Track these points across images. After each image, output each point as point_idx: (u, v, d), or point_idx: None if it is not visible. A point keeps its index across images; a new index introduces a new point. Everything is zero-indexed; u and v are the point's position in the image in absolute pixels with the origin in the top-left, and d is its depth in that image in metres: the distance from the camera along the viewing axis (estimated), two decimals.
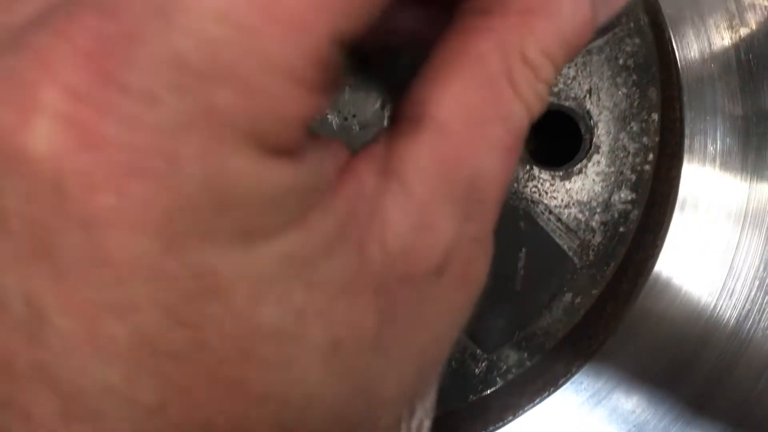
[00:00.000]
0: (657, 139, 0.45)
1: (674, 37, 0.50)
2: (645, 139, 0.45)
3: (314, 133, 0.19)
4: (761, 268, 0.49)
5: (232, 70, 0.16)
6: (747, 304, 0.49)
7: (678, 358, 0.49)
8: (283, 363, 0.18)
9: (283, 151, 0.17)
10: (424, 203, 0.21)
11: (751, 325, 0.49)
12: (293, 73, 0.17)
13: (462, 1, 0.24)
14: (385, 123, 0.58)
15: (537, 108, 0.23)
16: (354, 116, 0.59)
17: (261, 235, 0.17)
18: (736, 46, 0.50)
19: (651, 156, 0.45)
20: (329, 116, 0.58)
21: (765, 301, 0.49)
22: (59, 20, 0.16)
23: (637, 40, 0.45)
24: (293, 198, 0.18)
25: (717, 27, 0.50)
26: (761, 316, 0.49)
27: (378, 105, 0.59)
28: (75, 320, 0.16)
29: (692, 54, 0.50)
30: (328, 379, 0.19)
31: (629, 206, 0.45)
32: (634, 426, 0.50)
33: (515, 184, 0.45)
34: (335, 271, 0.19)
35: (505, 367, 0.44)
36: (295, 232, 0.18)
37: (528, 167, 0.45)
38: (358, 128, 0.58)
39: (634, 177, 0.45)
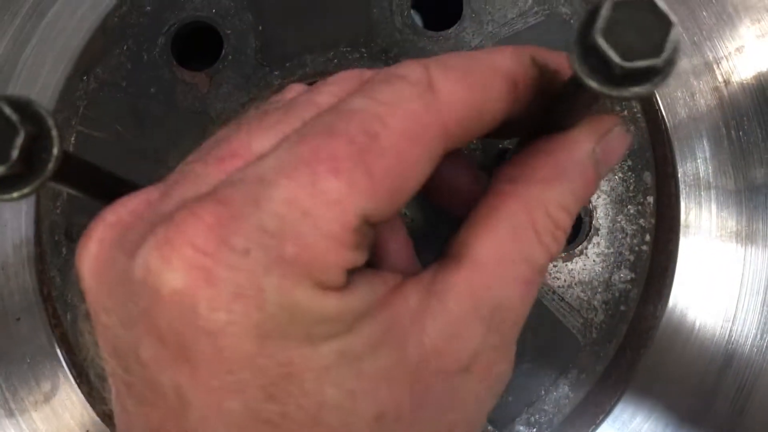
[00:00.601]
0: (653, 220, 0.47)
1: (667, 117, 0.52)
2: (642, 221, 0.48)
3: (372, 269, 0.28)
4: (758, 336, 0.51)
5: (294, 233, 0.24)
6: (748, 369, 0.51)
7: (685, 418, 0.51)
8: (341, 427, 0.25)
9: (331, 287, 0.25)
10: (456, 318, 0.27)
11: (754, 380, 0.51)
12: (334, 237, 0.24)
13: (497, 169, 0.30)
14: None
15: (556, 250, 0.30)
16: None
17: (322, 339, 0.25)
18: (727, 125, 0.52)
19: (648, 237, 0.47)
20: None
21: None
22: (194, 205, 0.25)
23: (631, 127, 0.48)
24: (344, 316, 0.25)
25: (708, 106, 0.53)
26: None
27: None
28: (207, 400, 0.24)
29: (685, 132, 0.52)
30: None
31: (629, 285, 0.47)
32: None
33: None
34: (379, 363, 0.26)
35: None
36: (347, 337, 0.25)
37: None
38: None
39: (632, 257, 0.47)
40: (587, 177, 0.30)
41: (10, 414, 0.50)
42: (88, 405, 0.51)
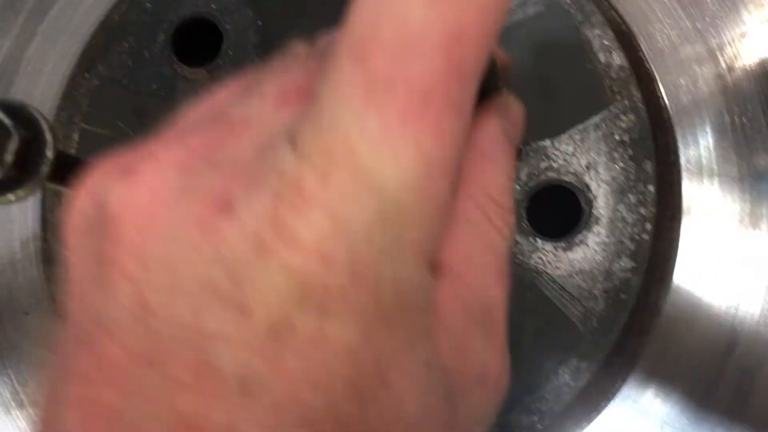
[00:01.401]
0: (654, 209, 0.47)
1: (670, 104, 0.52)
2: (642, 210, 0.48)
3: None
4: (761, 322, 0.51)
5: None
6: (752, 354, 0.51)
7: (689, 405, 0.51)
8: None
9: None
10: (460, 332, 0.26)
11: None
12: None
13: None
14: None
15: (509, 233, 0.28)
16: None
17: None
18: (731, 112, 0.52)
19: (648, 226, 0.47)
20: None
21: None
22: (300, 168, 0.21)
23: (631, 117, 0.48)
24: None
25: (711, 94, 0.53)
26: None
27: None
28: (285, 389, 0.20)
29: (688, 120, 0.52)
30: None
31: (629, 274, 0.47)
32: None
33: (520, 256, 0.48)
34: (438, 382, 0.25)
35: (516, 431, 0.47)
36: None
37: (532, 239, 0.48)
38: None
39: (633, 246, 0.47)
40: (507, 152, 0.29)
41: (21, 405, 0.51)
42: None
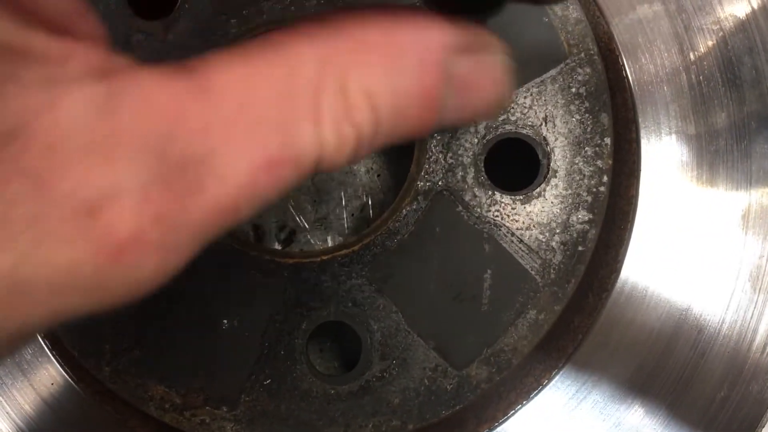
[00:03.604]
0: (610, 162, 0.48)
1: (628, 62, 0.52)
2: (599, 162, 0.48)
3: None
4: (726, 275, 0.52)
5: None
6: (711, 313, 0.52)
7: (647, 362, 0.52)
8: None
9: None
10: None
11: (714, 333, 0.52)
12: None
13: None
14: None
15: (331, 150, 0.22)
16: None
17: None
18: (687, 70, 0.52)
19: (605, 178, 0.48)
20: None
21: (727, 311, 0.52)
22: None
23: (588, 69, 0.48)
24: None
25: (669, 52, 0.53)
26: (722, 325, 0.52)
27: None
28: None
29: (646, 78, 0.53)
30: None
31: (587, 226, 0.47)
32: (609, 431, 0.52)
33: (478, 209, 0.47)
34: None
35: (475, 383, 0.47)
36: None
37: (490, 192, 0.48)
38: None
39: (590, 198, 0.48)
40: (424, 83, 0.23)
41: None
42: (52, 357, 0.51)
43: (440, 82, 0.23)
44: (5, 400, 0.52)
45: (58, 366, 0.51)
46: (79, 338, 0.48)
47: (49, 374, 0.52)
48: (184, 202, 0.22)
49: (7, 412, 0.52)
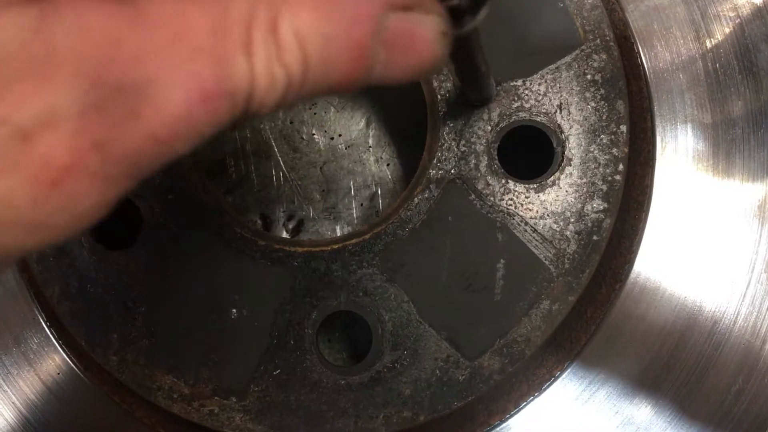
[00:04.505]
0: (626, 150, 0.47)
1: (643, 50, 0.52)
2: (615, 151, 0.47)
3: None
4: (741, 267, 0.51)
5: None
6: (726, 305, 0.51)
7: (660, 354, 0.51)
8: None
9: None
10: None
11: (730, 325, 0.51)
12: None
13: None
14: (370, 141, 0.60)
15: (262, 89, 0.23)
16: (340, 135, 0.61)
17: None
18: (704, 57, 0.52)
19: (621, 166, 0.47)
20: (315, 136, 0.60)
21: (743, 302, 0.51)
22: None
23: (603, 56, 0.47)
24: None
25: (685, 39, 0.52)
26: (737, 317, 0.51)
27: (363, 124, 0.61)
28: None
29: (661, 66, 0.52)
30: None
31: (602, 215, 0.47)
32: (620, 426, 0.51)
33: (492, 198, 0.47)
34: None
35: (487, 374, 0.46)
36: None
37: (503, 181, 0.47)
38: (344, 147, 0.60)
39: (605, 187, 0.47)
40: (355, 34, 0.23)
41: None
42: (58, 346, 0.51)
43: (371, 35, 0.23)
44: (10, 390, 0.51)
45: (65, 355, 0.51)
46: (86, 328, 0.47)
47: (55, 364, 0.51)
48: (121, 130, 0.21)
49: (12, 402, 0.51)
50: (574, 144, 0.47)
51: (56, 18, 0.21)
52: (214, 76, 0.22)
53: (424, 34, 0.25)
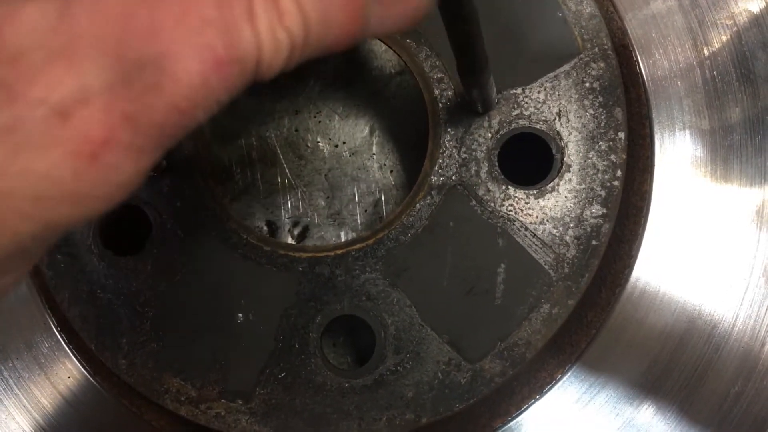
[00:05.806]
0: (624, 156, 0.48)
1: (642, 58, 0.52)
2: (613, 157, 0.48)
3: None
4: (740, 271, 0.52)
5: None
6: (724, 308, 0.52)
7: (660, 358, 0.51)
8: None
9: None
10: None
11: (729, 328, 0.52)
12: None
13: None
14: (374, 148, 0.61)
15: (268, 54, 0.25)
16: (344, 143, 0.62)
17: None
18: (701, 65, 0.52)
19: (619, 172, 0.48)
20: (320, 143, 0.61)
21: (741, 306, 0.52)
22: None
23: (601, 64, 0.48)
24: None
25: (683, 47, 0.53)
26: (736, 320, 0.51)
27: (366, 132, 0.62)
28: None
29: (660, 73, 0.53)
30: None
31: (600, 221, 0.47)
32: (621, 428, 0.52)
33: (492, 203, 0.48)
34: None
35: (489, 377, 0.47)
36: None
37: (504, 187, 0.48)
38: (348, 154, 0.62)
39: (604, 193, 0.48)
40: None
41: None
42: (69, 350, 0.52)
43: None
44: (22, 394, 0.52)
45: (75, 360, 0.52)
46: (95, 332, 0.48)
47: (65, 368, 0.52)
48: (146, 101, 0.23)
49: (24, 405, 0.52)
50: (573, 150, 0.48)
51: (76, 3, 0.23)
52: (224, 45, 0.24)
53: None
